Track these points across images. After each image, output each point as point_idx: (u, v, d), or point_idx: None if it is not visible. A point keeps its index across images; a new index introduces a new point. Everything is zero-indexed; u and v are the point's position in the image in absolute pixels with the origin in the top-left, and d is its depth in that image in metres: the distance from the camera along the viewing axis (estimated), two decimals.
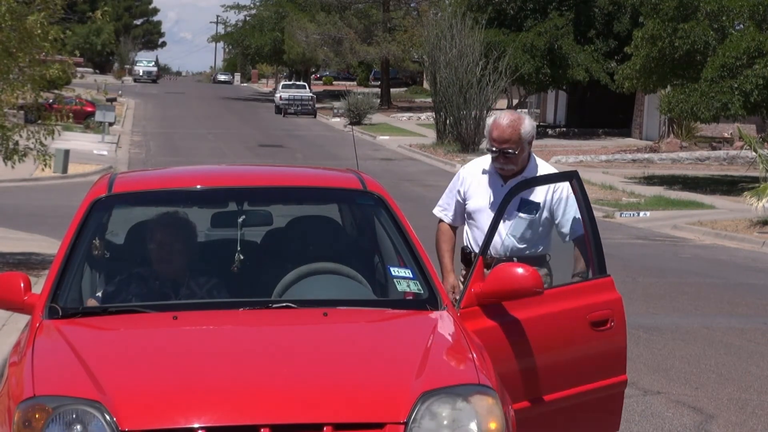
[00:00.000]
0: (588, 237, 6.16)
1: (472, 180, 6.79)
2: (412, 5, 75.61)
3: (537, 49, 51.36)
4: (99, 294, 5.66)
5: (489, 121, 6.73)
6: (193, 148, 45.03)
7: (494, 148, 6.60)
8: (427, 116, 62.87)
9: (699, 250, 22.09)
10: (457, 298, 5.83)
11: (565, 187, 6.56)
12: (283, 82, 79.56)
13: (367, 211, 6.08)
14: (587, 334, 5.96)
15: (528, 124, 6.66)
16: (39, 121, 17.81)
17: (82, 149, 40.48)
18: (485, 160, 6.82)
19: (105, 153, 41.68)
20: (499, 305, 5.68)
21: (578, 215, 6.52)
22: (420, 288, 5.49)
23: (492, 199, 6.65)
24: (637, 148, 47.28)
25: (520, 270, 5.47)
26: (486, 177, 6.74)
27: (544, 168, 6.77)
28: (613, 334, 6.04)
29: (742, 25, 33.32)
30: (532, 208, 6.55)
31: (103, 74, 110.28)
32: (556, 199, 6.61)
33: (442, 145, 46.37)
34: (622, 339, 6.09)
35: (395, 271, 5.62)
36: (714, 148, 44.35)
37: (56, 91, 20.33)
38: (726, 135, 47.04)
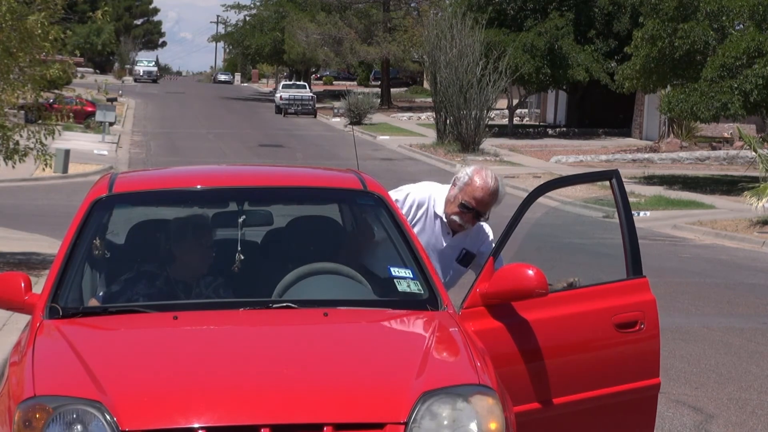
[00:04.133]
0: (624, 237, 6.01)
1: (421, 215, 6.44)
2: (412, 5, 75.64)
3: (537, 49, 51.38)
4: (101, 294, 5.67)
5: (471, 174, 6.35)
6: (194, 148, 45.04)
7: (470, 206, 6.29)
8: (428, 116, 62.89)
9: (699, 250, 22.10)
10: None
11: (488, 237, 6.42)
12: (283, 82, 79.56)
13: (367, 211, 6.07)
14: (611, 335, 5.83)
15: (503, 192, 6.42)
16: (39, 121, 17.83)
17: (83, 149, 40.49)
18: (435, 199, 6.46)
19: (105, 153, 41.69)
20: (508, 306, 5.63)
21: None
22: (420, 288, 5.49)
23: (437, 247, 6.37)
24: (637, 147, 47.30)
25: (524, 271, 5.44)
26: (437, 222, 6.40)
27: (488, 230, 6.52)
28: (644, 337, 5.89)
29: (742, 25, 33.34)
30: (469, 260, 6.36)
31: (104, 74, 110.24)
32: (484, 250, 6.37)
33: (443, 144, 46.38)
34: (654, 341, 5.93)
35: (395, 271, 5.62)
36: (714, 148, 44.35)
37: (56, 91, 20.35)
38: (726, 135, 47.05)
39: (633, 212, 23.08)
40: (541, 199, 6.36)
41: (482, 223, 6.48)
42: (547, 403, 5.74)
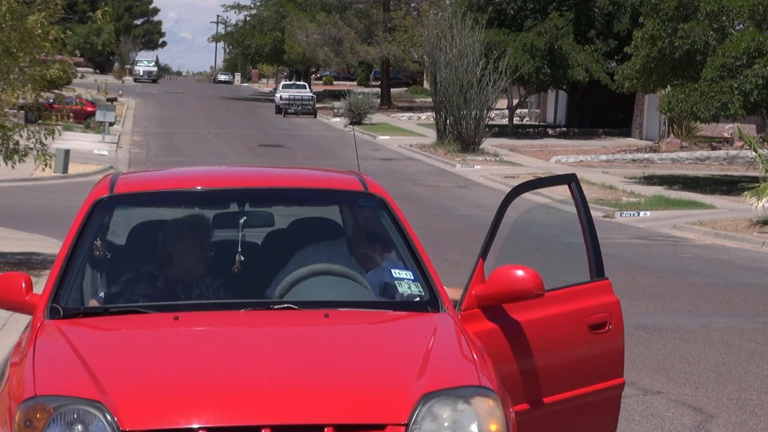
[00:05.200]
0: (586, 240, 6.13)
1: None
2: (412, 5, 75.65)
3: (537, 49, 51.38)
4: (101, 294, 5.67)
5: None
6: (194, 148, 45.04)
7: None
8: (428, 116, 62.90)
9: (699, 250, 22.10)
10: None
11: None
12: (283, 82, 79.53)
13: (368, 213, 6.07)
14: (586, 336, 5.96)
15: None
16: (39, 121, 17.84)
17: (83, 149, 40.49)
18: None
19: (105, 153, 41.69)
20: (499, 307, 5.67)
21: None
22: (421, 290, 5.49)
23: None
24: (637, 147, 47.31)
25: (520, 272, 5.46)
26: None
27: None
28: (611, 337, 6.04)
29: (742, 25, 33.35)
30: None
31: (104, 74, 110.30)
32: None
33: (443, 144, 46.39)
34: (620, 342, 6.09)
35: (396, 272, 5.62)
36: (714, 148, 44.36)
37: (56, 91, 20.34)
38: (726, 135, 47.05)
39: (633, 212, 23.06)
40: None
41: None
42: (536, 403, 5.82)
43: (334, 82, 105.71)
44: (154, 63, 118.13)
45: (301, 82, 78.44)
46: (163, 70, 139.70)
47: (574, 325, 5.93)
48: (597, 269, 6.11)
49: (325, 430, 4.30)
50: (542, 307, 5.79)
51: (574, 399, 5.95)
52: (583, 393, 5.98)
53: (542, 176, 6.81)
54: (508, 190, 6.82)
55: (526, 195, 6.42)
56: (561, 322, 5.89)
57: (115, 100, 62.78)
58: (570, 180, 6.21)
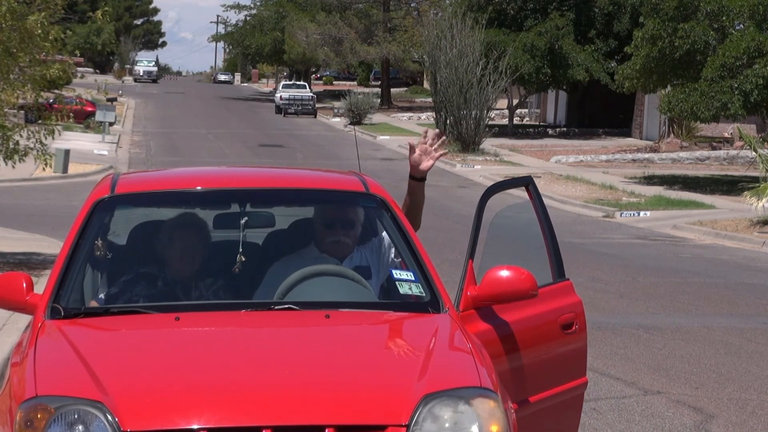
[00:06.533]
0: (547, 241, 6.21)
1: None
2: (412, 5, 75.67)
3: (537, 49, 51.40)
4: (102, 296, 5.67)
5: None
6: (194, 147, 45.05)
7: None
8: (428, 116, 62.90)
9: (699, 250, 22.11)
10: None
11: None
12: (283, 82, 79.54)
13: (369, 214, 6.07)
14: (559, 336, 6.07)
15: None
16: (39, 121, 17.83)
17: (83, 149, 40.49)
18: None
19: (105, 153, 41.69)
20: (489, 308, 5.71)
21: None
22: (422, 290, 5.49)
23: None
24: (637, 147, 47.31)
25: (516, 273, 5.49)
26: None
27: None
28: (577, 337, 6.14)
29: (742, 25, 33.36)
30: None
31: (104, 74, 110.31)
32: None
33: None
34: (584, 341, 6.20)
35: (397, 273, 5.62)
36: (714, 148, 44.36)
37: (56, 91, 20.35)
38: (726, 135, 47.06)
39: (633, 212, 23.15)
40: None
41: None
42: (523, 403, 5.87)
43: (334, 82, 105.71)
44: (154, 63, 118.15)
45: (301, 82, 78.45)
46: (163, 70, 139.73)
47: (550, 325, 6.04)
48: (558, 270, 6.21)
49: (326, 430, 4.29)
50: (523, 308, 5.85)
51: (552, 398, 6.05)
52: (558, 392, 6.08)
53: (506, 179, 6.82)
54: None
55: (520, 193, 6.46)
56: (540, 322, 5.99)
57: (115, 100, 62.78)
58: (527, 182, 6.31)
